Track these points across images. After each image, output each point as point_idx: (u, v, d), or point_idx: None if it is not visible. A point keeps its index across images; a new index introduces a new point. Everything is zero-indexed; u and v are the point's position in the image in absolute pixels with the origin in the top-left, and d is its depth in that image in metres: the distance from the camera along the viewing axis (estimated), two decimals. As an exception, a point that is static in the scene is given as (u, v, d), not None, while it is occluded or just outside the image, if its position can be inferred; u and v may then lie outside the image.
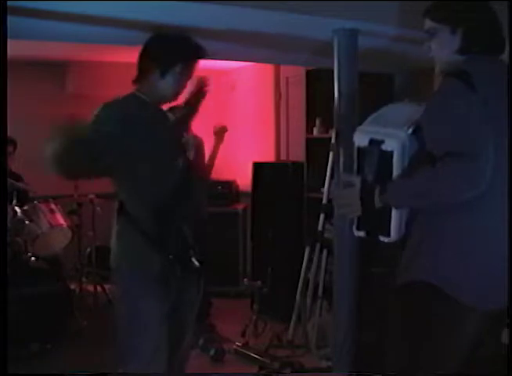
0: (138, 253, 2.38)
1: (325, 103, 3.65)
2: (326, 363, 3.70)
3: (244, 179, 5.75)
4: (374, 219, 2.09)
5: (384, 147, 1.99)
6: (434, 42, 2.06)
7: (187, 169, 2.55)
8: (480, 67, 1.93)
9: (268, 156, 5.81)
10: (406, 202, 2.01)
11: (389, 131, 2.01)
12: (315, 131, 4.90)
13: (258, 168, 5.40)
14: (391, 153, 1.98)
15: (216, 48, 3.47)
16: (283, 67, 5.63)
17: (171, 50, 2.47)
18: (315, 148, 4.80)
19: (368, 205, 2.03)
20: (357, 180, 2.07)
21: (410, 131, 1.98)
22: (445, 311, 1.92)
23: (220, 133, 3.26)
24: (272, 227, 5.08)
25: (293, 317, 4.12)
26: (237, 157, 5.98)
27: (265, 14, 2.60)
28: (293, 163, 5.21)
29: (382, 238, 2.11)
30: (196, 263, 2.44)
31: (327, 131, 4.69)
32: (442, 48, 2.04)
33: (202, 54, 2.54)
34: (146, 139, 2.34)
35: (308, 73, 4.95)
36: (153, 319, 2.38)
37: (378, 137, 2.01)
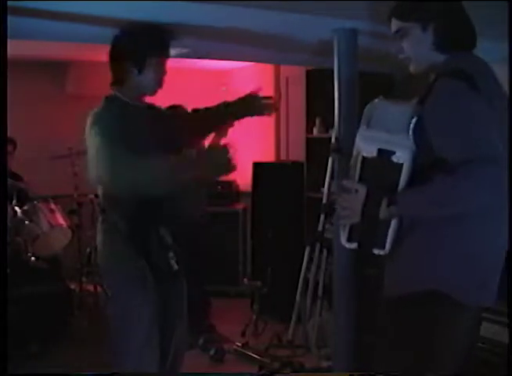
0: (118, 252, 2.38)
1: (325, 103, 3.65)
2: (326, 363, 3.71)
3: (244, 179, 5.75)
4: (370, 231, 2.01)
5: (395, 159, 1.89)
6: (406, 42, 2.02)
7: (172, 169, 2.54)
8: (471, 65, 1.92)
9: (268, 156, 5.81)
10: (422, 213, 1.92)
11: (398, 141, 1.91)
12: (315, 131, 4.90)
13: (258, 168, 5.40)
14: (399, 165, 1.90)
15: (216, 48, 3.48)
16: (283, 67, 5.63)
17: (142, 44, 2.43)
18: (315, 148, 4.81)
19: (370, 216, 1.96)
20: (362, 188, 1.97)
21: (411, 136, 1.90)
22: (455, 317, 1.92)
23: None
24: (272, 227, 5.08)
25: (293, 317, 4.12)
26: (237, 157, 5.97)
27: (265, 14, 2.60)
28: (293, 163, 5.21)
29: (376, 251, 2.03)
30: (175, 266, 2.40)
31: (327, 131, 4.69)
32: (416, 47, 2.01)
33: (171, 37, 2.52)
34: (128, 141, 2.33)
35: (308, 73, 4.95)
36: (141, 318, 2.38)
37: (387, 147, 1.91)
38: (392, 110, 2.02)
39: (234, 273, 5.63)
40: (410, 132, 1.90)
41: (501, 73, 2.24)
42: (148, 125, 2.49)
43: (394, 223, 1.96)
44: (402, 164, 1.89)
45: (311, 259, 4.10)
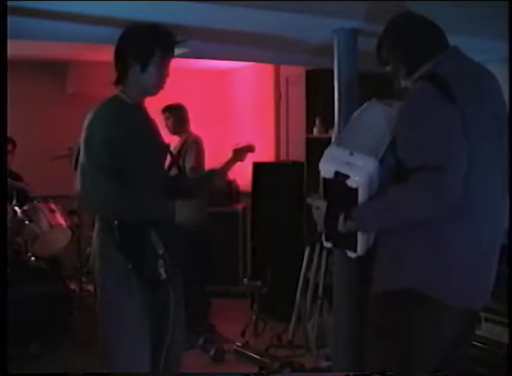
0: (108, 253, 2.37)
1: (325, 103, 3.65)
2: (326, 363, 3.70)
3: (244, 179, 5.75)
4: (340, 235, 2.09)
5: (349, 183, 1.96)
6: (400, 79, 2.12)
7: (167, 174, 2.55)
8: (452, 69, 1.95)
9: (268, 156, 5.81)
10: (375, 225, 2.00)
11: (357, 162, 1.97)
12: (315, 131, 4.90)
13: (258, 168, 5.40)
14: (356, 188, 1.96)
15: (216, 48, 3.48)
16: (282, 67, 5.63)
17: (146, 41, 2.42)
18: (315, 148, 4.80)
19: (332, 227, 2.06)
20: (323, 205, 2.11)
21: (380, 156, 1.95)
22: (432, 314, 1.95)
23: (241, 153, 2.89)
24: (272, 227, 5.08)
25: (293, 317, 4.12)
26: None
27: (265, 14, 2.60)
28: (293, 163, 5.21)
29: (349, 253, 2.12)
30: (164, 275, 2.35)
31: (327, 131, 4.69)
32: (407, 78, 2.09)
33: (175, 40, 2.50)
34: (129, 145, 2.35)
35: (308, 73, 4.95)
36: (128, 319, 2.36)
37: (344, 171, 1.99)
38: (372, 119, 2.09)
39: (234, 273, 5.63)
40: (379, 156, 1.94)
41: (501, 73, 2.25)
42: (147, 129, 2.50)
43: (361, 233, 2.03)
44: (356, 188, 1.95)
45: (311, 259, 4.10)
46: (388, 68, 2.14)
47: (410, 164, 1.84)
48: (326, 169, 2.07)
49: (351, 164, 1.98)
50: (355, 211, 1.97)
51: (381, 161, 1.94)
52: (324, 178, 2.10)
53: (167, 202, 2.36)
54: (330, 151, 2.12)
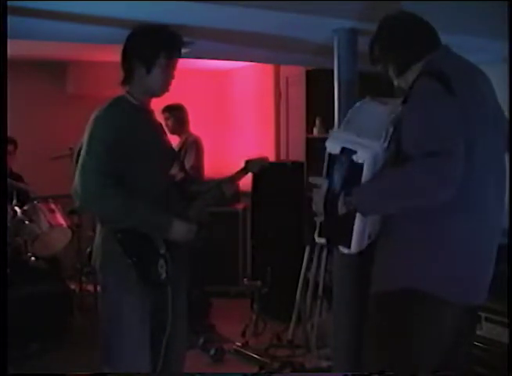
0: (110, 251, 2.38)
1: (325, 103, 3.65)
2: (326, 363, 3.70)
3: (244, 179, 5.73)
4: (336, 228, 2.08)
5: (355, 158, 1.96)
6: (393, 78, 2.16)
7: (171, 176, 2.55)
8: (449, 66, 1.96)
9: (268, 156, 5.80)
10: (375, 204, 1.98)
11: (363, 142, 1.97)
12: (315, 131, 4.90)
13: (258, 167, 5.38)
14: (361, 164, 1.96)
15: (216, 48, 3.48)
16: (282, 67, 5.63)
17: (152, 43, 2.44)
18: (315, 148, 4.80)
19: (331, 210, 2.03)
20: (324, 183, 2.06)
21: (386, 143, 1.95)
22: (437, 314, 1.95)
23: (254, 165, 2.82)
24: (272, 227, 5.08)
25: (293, 317, 4.12)
26: (237, 156, 5.98)
27: (265, 14, 2.60)
28: (293, 163, 5.21)
29: (342, 249, 2.09)
30: (164, 274, 2.37)
31: (327, 131, 4.69)
32: (399, 74, 2.12)
33: (181, 42, 2.52)
34: (132, 145, 2.36)
35: (308, 73, 4.95)
36: (130, 317, 2.37)
37: (351, 146, 1.98)
38: (372, 113, 2.09)
39: (234, 273, 5.63)
40: (386, 143, 1.94)
41: (501, 73, 2.25)
42: (151, 131, 2.50)
43: (358, 222, 2.00)
44: (362, 164, 1.94)
45: (311, 259, 4.10)
46: (380, 67, 2.15)
47: (414, 152, 1.85)
48: (333, 145, 2.04)
49: (359, 143, 1.98)
50: (356, 188, 1.96)
51: (385, 148, 1.96)
52: (329, 155, 2.06)
53: (166, 216, 2.39)
54: (337, 133, 2.12)
